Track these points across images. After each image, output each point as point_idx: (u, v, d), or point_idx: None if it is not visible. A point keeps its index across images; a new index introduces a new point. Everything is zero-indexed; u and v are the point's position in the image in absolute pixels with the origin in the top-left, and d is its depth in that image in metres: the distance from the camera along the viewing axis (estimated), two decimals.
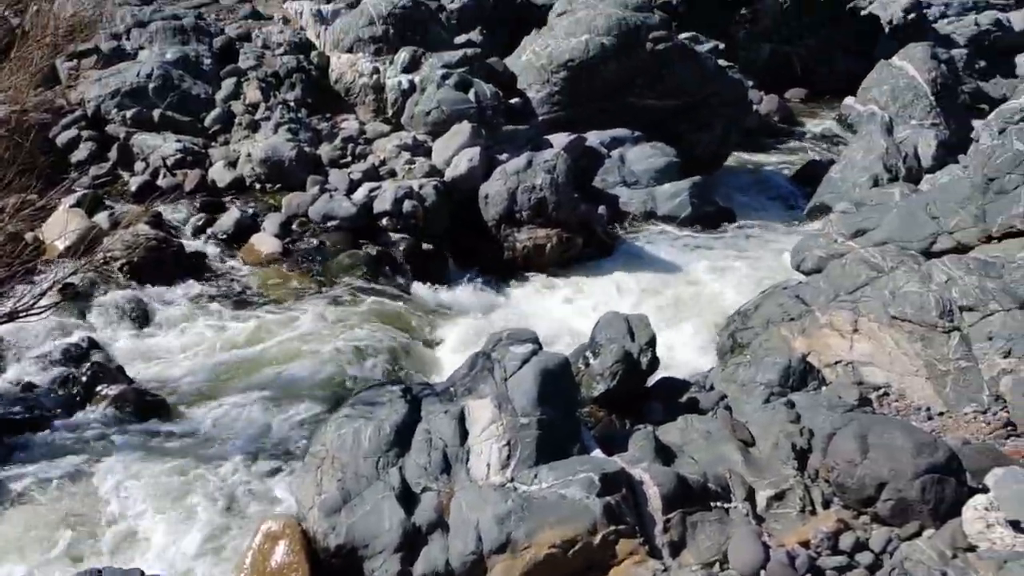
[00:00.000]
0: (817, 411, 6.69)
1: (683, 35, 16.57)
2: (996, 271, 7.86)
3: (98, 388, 7.91)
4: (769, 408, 6.96)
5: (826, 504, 6.10)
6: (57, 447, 7.28)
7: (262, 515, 6.56)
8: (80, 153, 11.68)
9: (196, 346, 8.85)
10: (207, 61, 13.16)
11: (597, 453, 6.41)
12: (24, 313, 7.24)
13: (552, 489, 5.86)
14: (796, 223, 13.33)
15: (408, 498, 6.13)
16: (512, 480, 6.04)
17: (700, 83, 14.92)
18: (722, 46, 18.78)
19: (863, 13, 22.20)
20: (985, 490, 5.88)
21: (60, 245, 9.50)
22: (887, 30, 21.74)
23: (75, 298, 9.05)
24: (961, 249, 8.82)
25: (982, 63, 21.49)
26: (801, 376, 7.69)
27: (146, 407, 7.83)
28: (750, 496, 6.16)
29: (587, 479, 5.79)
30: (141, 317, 9.15)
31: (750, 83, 18.25)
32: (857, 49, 21.47)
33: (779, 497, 6.14)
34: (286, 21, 14.81)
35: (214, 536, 6.50)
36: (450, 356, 9.01)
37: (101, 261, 9.23)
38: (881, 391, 7.58)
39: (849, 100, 17.48)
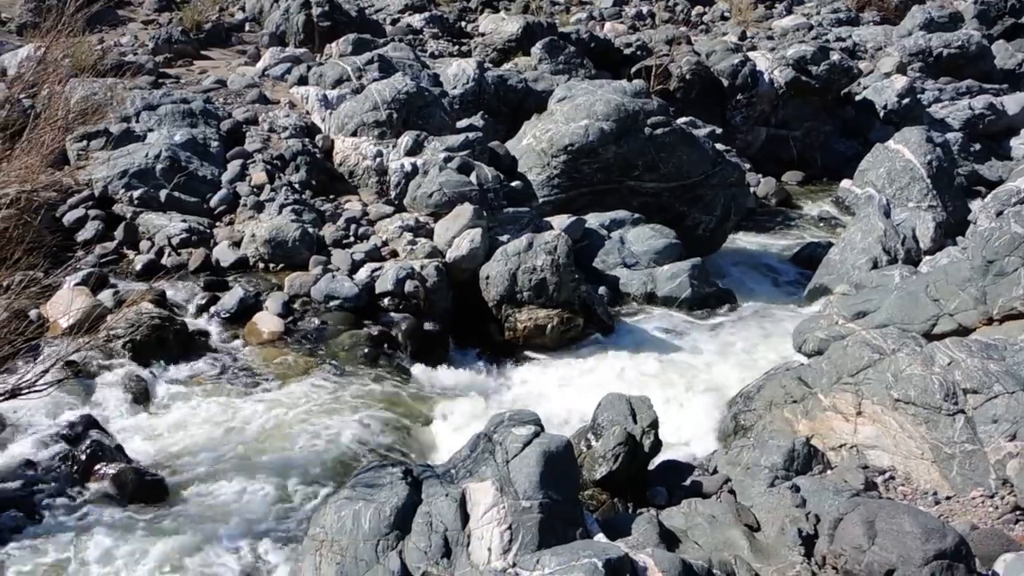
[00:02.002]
0: (823, 495, 6.63)
1: (681, 120, 16.89)
2: (998, 353, 7.87)
3: (96, 467, 7.83)
4: (774, 492, 6.90)
5: None
6: (54, 525, 7.19)
7: None
8: (86, 232, 11.79)
9: (196, 425, 8.79)
10: (214, 143, 13.39)
11: (600, 537, 6.33)
12: (26, 390, 7.24)
13: (554, 575, 5.76)
14: (796, 305, 13.38)
15: None
16: (514, 565, 5.94)
17: (698, 166, 15.15)
18: (719, 130, 19.14)
19: (858, 98, 22.66)
20: None
21: (64, 323, 9.53)
22: (882, 114, 22.16)
23: (77, 376, 9.04)
24: (962, 331, 8.85)
25: (977, 146, 21.80)
26: (805, 459, 7.64)
27: (144, 487, 7.75)
28: None
29: (590, 565, 5.69)
30: (142, 395, 9.13)
31: (747, 166, 18.51)
32: (852, 133, 21.88)
33: None
34: (292, 105, 15.12)
35: None
36: (451, 437, 8.95)
37: (104, 339, 9.25)
38: (887, 475, 7.52)
39: (846, 183, 17.73)
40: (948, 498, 7.23)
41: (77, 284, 10.34)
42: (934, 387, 7.63)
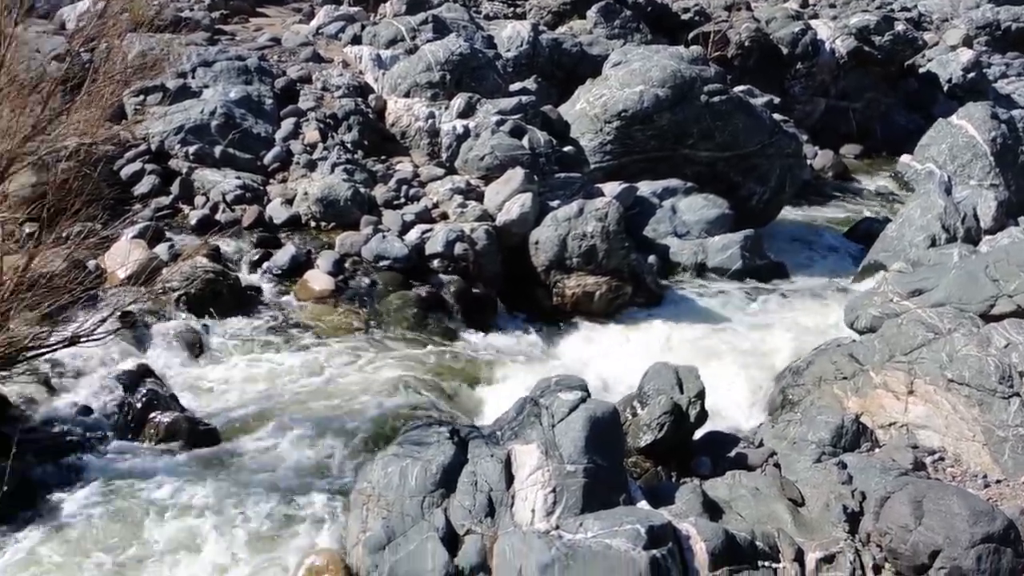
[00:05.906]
0: (870, 473, 6.58)
1: (738, 88, 16.60)
2: None
3: (151, 415, 8.04)
4: (820, 468, 6.86)
5: (877, 569, 5.98)
6: (109, 471, 7.40)
7: (306, 548, 6.61)
8: (143, 186, 11.98)
9: (248, 378, 8.96)
10: (268, 101, 13.48)
11: (643, 505, 6.35)
12: (84, 338, 7.41)
13: (597, 539, 5.80)
14: (849, 280, 13.18)
15: (452, 540, 6.12)
16: (557, 528, 6.00)
17: (755, 136, 14.90)
18: (777, 100, 18.78)
19: (922, 71, 22.08)
20: None
21: (121, 274, 9.73)
22: (946, 88, 21.60)
23: (133, 326, 9.24)
24: (1021, 313, 8.64)
25: None
26: (853, 436, 7.56)
27: (197, 435, 7.95)
28: (799, 557, 6.05)
29: (633, 531, 5.73)
30: (196, 347, 9.31)
31: (804, 137, 18.17)
32: (915, 107, 21.35)
33: (829, 560, 6.03)
34: (345, 65, 15.14)
35: (259, 567, 6.54)
36: (497, 399, 9.01)
37: (160, 291, 9.42)
38: (936, 456, 7.42)
39: (906, 158, 17.32)
40: (998, 481, 7.12)
41: (134, 237, 10.54)
42: (990, 369, 7.49)
